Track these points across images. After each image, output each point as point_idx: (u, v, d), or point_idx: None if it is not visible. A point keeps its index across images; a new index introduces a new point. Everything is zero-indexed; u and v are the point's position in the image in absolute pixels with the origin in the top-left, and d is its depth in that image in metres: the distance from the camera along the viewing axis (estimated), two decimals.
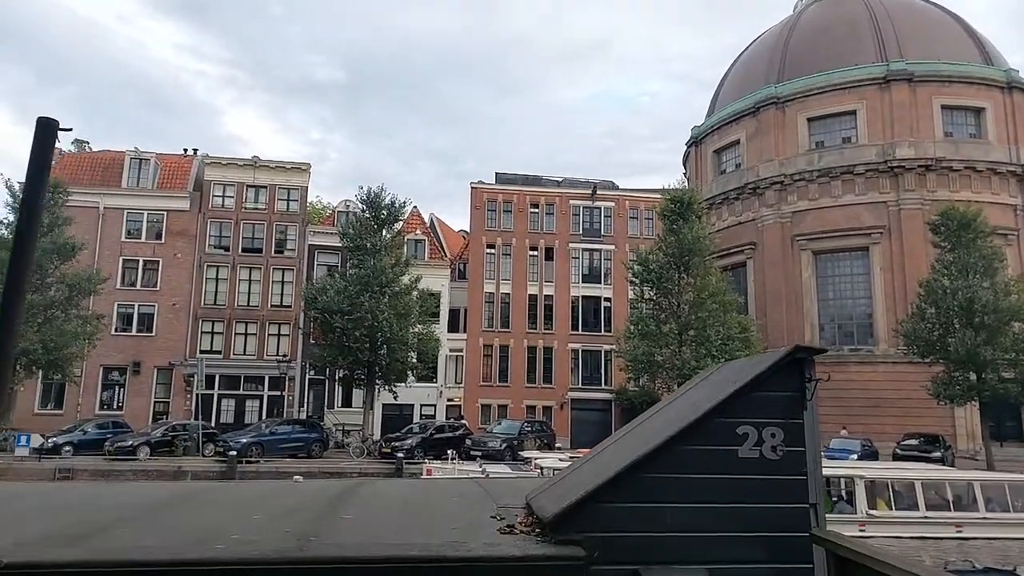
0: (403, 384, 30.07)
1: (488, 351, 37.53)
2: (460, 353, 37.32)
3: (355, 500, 3.78)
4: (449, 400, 36.47)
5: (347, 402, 34.95)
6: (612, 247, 39.12)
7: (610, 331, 36.77)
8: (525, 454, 24.24)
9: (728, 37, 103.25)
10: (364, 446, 28.16)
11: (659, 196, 34.39)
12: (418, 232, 38.08)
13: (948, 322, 25.41)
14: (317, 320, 29.52)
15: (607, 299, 38.73)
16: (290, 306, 34.81)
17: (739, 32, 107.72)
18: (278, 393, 33.52)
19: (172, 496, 3.90)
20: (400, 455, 25.26)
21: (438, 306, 35.42)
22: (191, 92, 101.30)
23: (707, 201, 35.39)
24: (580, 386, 37.78)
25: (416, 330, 29.61)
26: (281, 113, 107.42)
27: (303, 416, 32.74)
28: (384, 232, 30.56)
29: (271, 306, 34.74)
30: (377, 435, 31.80)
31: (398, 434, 29.25)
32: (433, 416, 35.05)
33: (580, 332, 38.26)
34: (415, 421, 33.50)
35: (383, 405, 33.65)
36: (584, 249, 39.22)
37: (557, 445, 30.30)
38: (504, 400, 37.22)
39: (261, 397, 33.97)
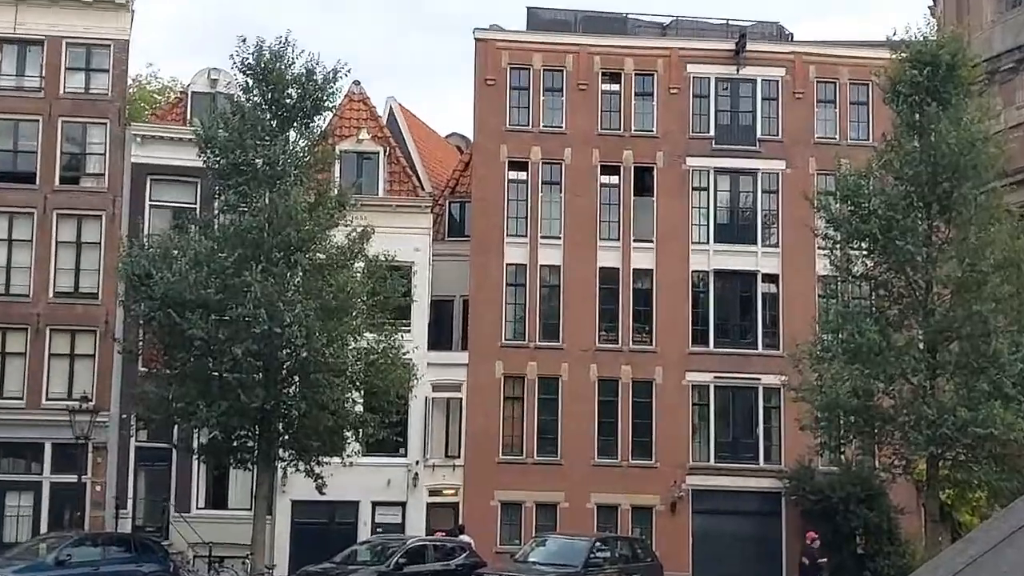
0: (338, 459, 29.17)
1: (513, 389, 36.46)
2: (455, 395, 36.25)
3: None
4: (433, 492, 35.58)
5: (219, 497, 34.59)
6: (780, 165, 37.71)
7: (775, 346, 35.94)
8: None
9: None
10: None
11: (879, 57, 32.69)
12: (364, 136, 36.64)
13: None
14: (152, 324, 28.42)
15: (769, 277, 37.43)
16: (96, 296, 33.96)
17: None
18: (73, 478, 31.62)
19: None
20: None
21: (408, 292, 32.51)
22: None
23: (984, 64, 32.55)
24: (712, 463, 36.38)
25: (360, 344, 28.57)
26: None
27: (127, 529, 32.55)
28: (292, 135, 29.32)
29: (56, 296, 34.13)
30: (283, 566, 31.95)
31: (329, 565, 27.93)
32: (400, 524, 34.36)
33: (712, 349, 36.93)
34: (361, 538, 32.51)
35: (294, 505, 33.44)
36: (720, 170, 37.85)
37: None
38: (551, 493, 35.64)
39: (37, 486, 33.03)
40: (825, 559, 31.06)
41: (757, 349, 36.97)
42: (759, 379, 36.27)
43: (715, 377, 36.57)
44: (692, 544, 34.88)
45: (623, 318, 36.64)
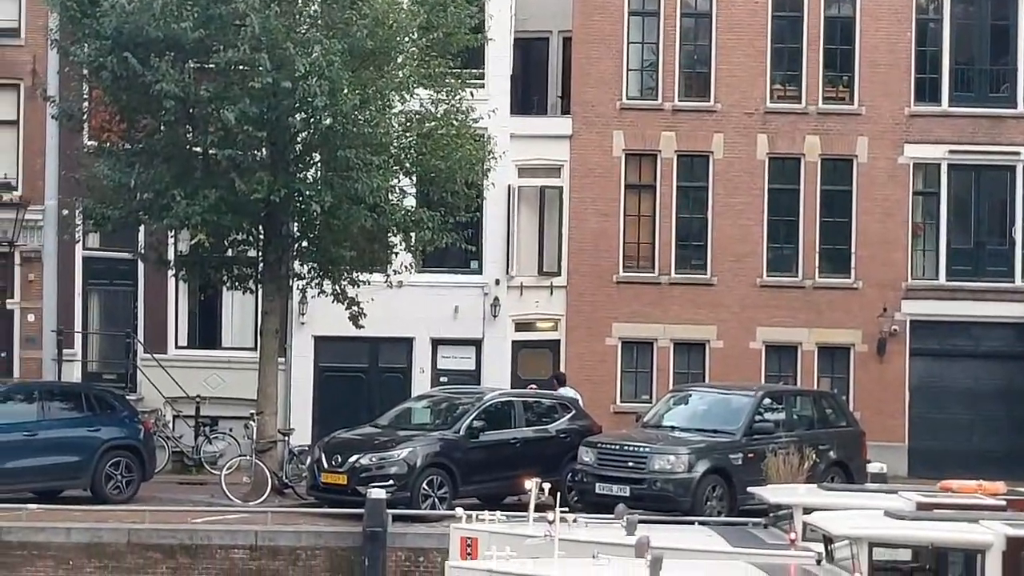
0: (381, 277, 30.47)
1: (640, 172, 36.44)
2: (552, 182, 36.47)
3: None
4: (522, 326, 36.63)
5: (208, 332, 35.89)
6: None
7: None
8: (767, 494, 22.98)
9: None
10: (262, 464, 28.50)
11: None
12: None
13: None
14: (102, 75, 27.75)
15: None
16: (16, 32, 34.24)
17: None
18: None
19: None
20: (377, 494, 24.50)
21: (480, 27, 32.96)
22: None
23: None
24: (942, 281, 36.16)
25: (410, 105, 29.00)
26: None
27: (74, 377, 33.80)
28: None
29: None
30: (304, 430, 32.84)
31: (371, 430, 28.90)
32: (473, 372, 35.80)
33: (946, 108, 36.08)
34: (417, 391, 33.71)
35: (319, 343, 34.76)
36: None
37: (875, 465, 28.38)
38: (696, 327, 36.04)
39: None
40: None
41: (1016, 107, 35.95)
42: (1018, 153, 35.50)
43: (950, 151, 35.77)
44: (909, 401, 34.91)
45: (809, 62, 35.87)
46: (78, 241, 33.60)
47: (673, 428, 28.67)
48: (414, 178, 29.87)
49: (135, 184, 27.77)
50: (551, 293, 36.59)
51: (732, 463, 27.27)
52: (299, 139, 28.05)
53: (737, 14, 36.15)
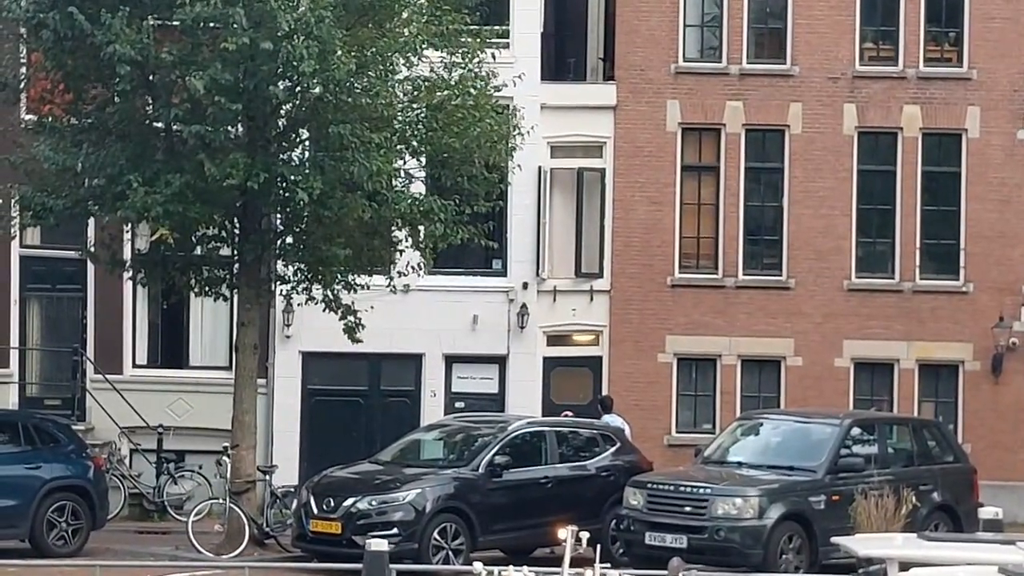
0: (383, 280, 30.56)
1: (699, 151, 36.57)
2: (591, 163, 36.50)
3: None
4: (555, 339, 36.81)
5: (173, 347, 36.12)
6: None
7: None
8: (856, 545, 21.01)
9: None
10: (238, 508, 28.38)
11: None
12: None
13: None
14: (42, 35, 27.39)
15: None
16: None
17: None
18: None
19: None
20: (378, 545, 22.66)
21: None
22: None
23: None
24: None
25: (417, 70, 29.01)
26: None
27: (11, 403, 34.19)
28: None
29: None
30: (290, 467, 33.05)
31: (371, 467, 29.08)
32: (496, 396, 35.95)
33: None
34: (428, 419, 33.82)
35: (307, 360, 35.06)
36: None
37: (988, 509, 26.81)
38: (769, 340, 36.15)
39: None
40: None
41: None
42: None
43: None
44: None
45: (907, 15, 35.63)
46: (14, 237, 33.17)
47: (740, 465, 28.66)
48: (423, 159, 29.69)
49: (83, 167, 27.65)
50: (591, 299, 36.26)
51: (812, 507, 26.92)
52: (282, 112, 27.98)
53: None
